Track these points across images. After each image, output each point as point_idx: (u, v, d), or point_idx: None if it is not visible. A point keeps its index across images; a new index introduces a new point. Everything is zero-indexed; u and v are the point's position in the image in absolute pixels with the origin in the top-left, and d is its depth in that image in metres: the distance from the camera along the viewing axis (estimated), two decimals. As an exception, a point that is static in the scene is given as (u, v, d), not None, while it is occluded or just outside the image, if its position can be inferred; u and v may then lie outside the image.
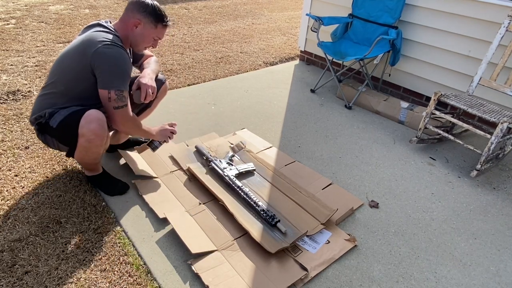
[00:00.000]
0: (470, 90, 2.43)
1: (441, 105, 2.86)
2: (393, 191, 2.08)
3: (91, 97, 1.64)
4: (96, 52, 1.55)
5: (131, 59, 1.91)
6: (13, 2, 5.14)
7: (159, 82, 2.03)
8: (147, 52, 2.02)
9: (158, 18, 1.70)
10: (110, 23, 1.73)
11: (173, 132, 1.95)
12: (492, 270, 1.63)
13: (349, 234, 1.73)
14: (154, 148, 1.99)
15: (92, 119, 1.58)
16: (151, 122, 2.52)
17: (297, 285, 1.48)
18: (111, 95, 1.57)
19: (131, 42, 1.74)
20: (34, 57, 3.42)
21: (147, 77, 1.81)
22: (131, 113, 1.68)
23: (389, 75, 3.23)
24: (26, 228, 1.64)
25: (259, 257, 1.56)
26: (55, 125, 1.62)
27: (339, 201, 1.92)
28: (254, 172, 2.06)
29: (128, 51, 1.82)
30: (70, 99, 1.65)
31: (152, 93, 1.78)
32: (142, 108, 2.09)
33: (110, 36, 1.62)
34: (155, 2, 1.71)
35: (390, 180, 2.18)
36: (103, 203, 1.82)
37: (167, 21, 1.74)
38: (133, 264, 1.52)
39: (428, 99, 3.05)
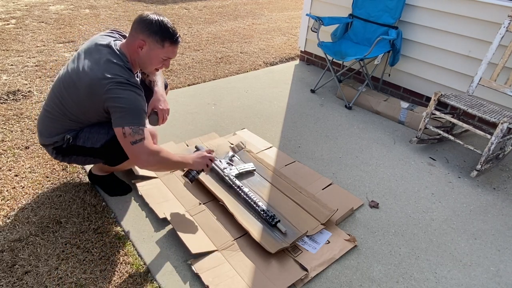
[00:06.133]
0: (470, 90, 2.43)
1: (441, 105, 2.86)
2: (393, 191, 2.08)
3: (107, 122, 1.62)
4: (107, 93, 1.43)
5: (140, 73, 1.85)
6: (13, 2, 5.15)
7: (164, 86, 2.02)
8: None
9: (164, 35, 1.49)
10: (120, 41, 1.61)
11: (211, 160, 1.71)
12: (492, 271, 1.63)
13: (349, 234, 1.73)
14: (191, 179, 1.72)
15: (153, 135, 1.66)
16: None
17: (297, 285, 1.48)
18: (126, 130, 1.44)
19: (140, 65, 1.59)
20: (34, 57, 3.42)
21: (161, 99, 1.80)
22: (152, 147, 1.50)
23: (389, 75, 3.23)
24: (26, 228, 1.64)
25: (259, 257, 1.56)
26: (98, 145, 1.61)
27: (339, 201, 1.91)
28: (254, 172, 2.06)
29: (138, 75, 1.76)
30: (85, 123, 1.62)
31: (167, 115, 1.81)
32: None
33: (121, 71, 1.47)
34: (161, 18, 1.50)
35: (390, 180, 2.18)
36: (103, 203, 1.82)
37: (176, 38, 1.53)
38: (133, 264, 1.52)
39: (428, 99, 3.05)
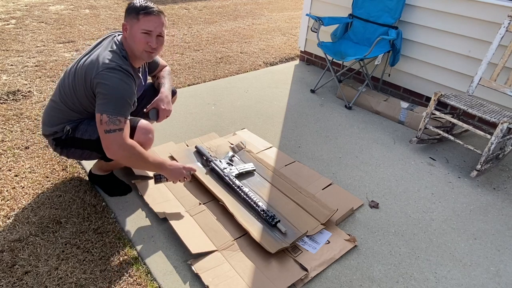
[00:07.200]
0: (470, 90, 2.43)
1: (441, 105, 2.86)
2: (393, 191, 2.08)
3: None
4: (96, 77, 1.47)
5: (147, 71, 1.87)
6: (13, 2, 5.15)
7: (172, 93, 2.02)
8: (161, 61, 2.00)
9: (138, 10, 1.52)
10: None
11: (186, 178, 1.72)
12: (492, 271, 1.63)
13: (349, 234, 1.73)
14: (157, 180, 1.72)
15: (149, 129, 1.69)
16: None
17: (297, 285, 1.48)
18: (103, 118, 1.46)
19: (132, 51, 1.59)
20: (34, 57, 3.42)
21: (165, 100, 1.83)
22: (127, 140, 1.50)
23: (389, 75, 3.23)
24: (26, 228, 1.64)
25: (259, 257, 1.56)
26: (95, 137, 1.61)
27: (339, 201, 1.91)
28: (254, 172, 2.06)
29: (143, 66, 1.79)
30: (85, 115, 1.65)
31: (167, 116, 1.85)
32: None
33: (114, 57, 1.52)
34: (141, 1, 1.56)
35: (390, 180, 2.17)
36: (103, 203, 1.82)
37: (151, 8, 1.53)
38: (133, 264, 1.52)
39: (428, 99, 3.05)
